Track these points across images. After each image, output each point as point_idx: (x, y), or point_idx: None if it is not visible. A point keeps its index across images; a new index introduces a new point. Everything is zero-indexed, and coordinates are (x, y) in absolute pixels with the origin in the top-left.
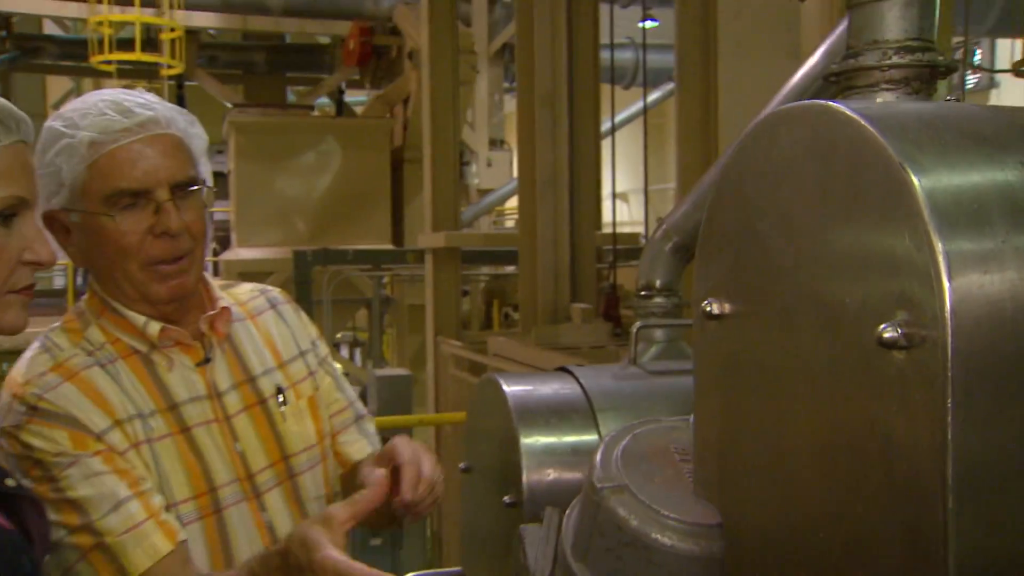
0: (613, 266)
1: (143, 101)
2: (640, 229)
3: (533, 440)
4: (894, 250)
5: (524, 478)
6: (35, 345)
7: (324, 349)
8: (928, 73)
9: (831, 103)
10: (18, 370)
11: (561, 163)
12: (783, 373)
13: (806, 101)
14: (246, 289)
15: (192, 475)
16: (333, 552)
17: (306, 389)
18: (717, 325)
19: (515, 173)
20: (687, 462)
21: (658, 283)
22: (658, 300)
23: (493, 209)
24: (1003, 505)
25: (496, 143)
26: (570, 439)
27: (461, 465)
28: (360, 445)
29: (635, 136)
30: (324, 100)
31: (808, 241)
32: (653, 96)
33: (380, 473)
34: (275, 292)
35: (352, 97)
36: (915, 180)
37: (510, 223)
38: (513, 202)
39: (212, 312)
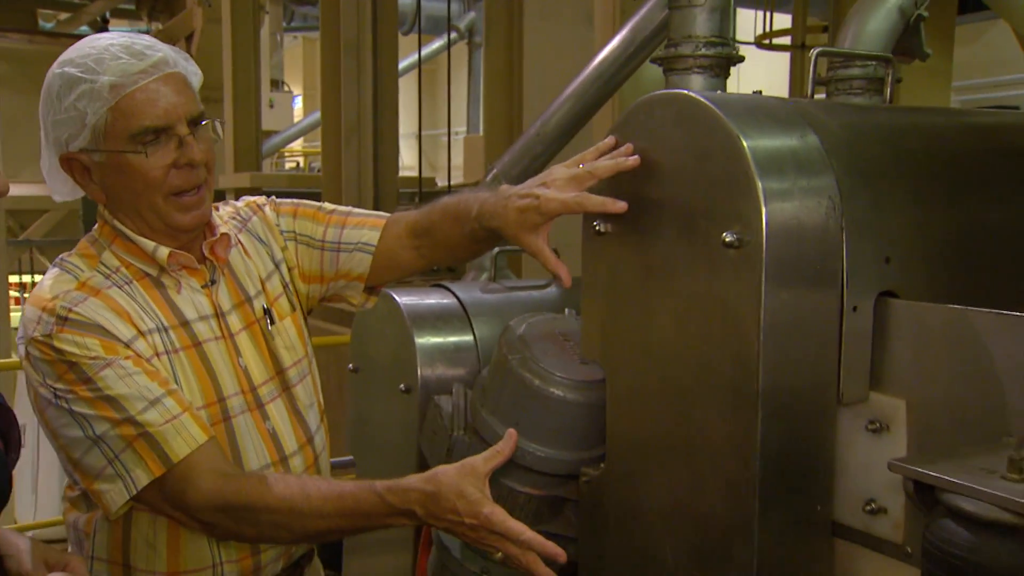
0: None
1: (148, 43)
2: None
3: (424, 340)
4: (731, 186)
5: (419, 370)
6: (53, 270)
7: (294, 223)
8: (726, 61)
9: (690, 92)
10: (42, 289)
11: (366, 109)
12: (652, 268)
13: (672, 90)
14: (227, 212)
15: (204, 385)
16: (498, 509)
17: (284, 306)
18: (602, 239)
19: (296, 116)
20: (568, 341)
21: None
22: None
23: (276, 151)
24: (791, 343)
25: (277, 84)
26: (452, 339)
27: (350, 366)
28: (358, 258)
29: (407, 84)
30: (84, 29)
31: (672, 181)
32: (434, 45)
33: (511, 432)
34: (243, 208)
35: (116, 28)
36: (745, 143)
37: (290, 165)
38: (296, 144)
39: (213, 238)
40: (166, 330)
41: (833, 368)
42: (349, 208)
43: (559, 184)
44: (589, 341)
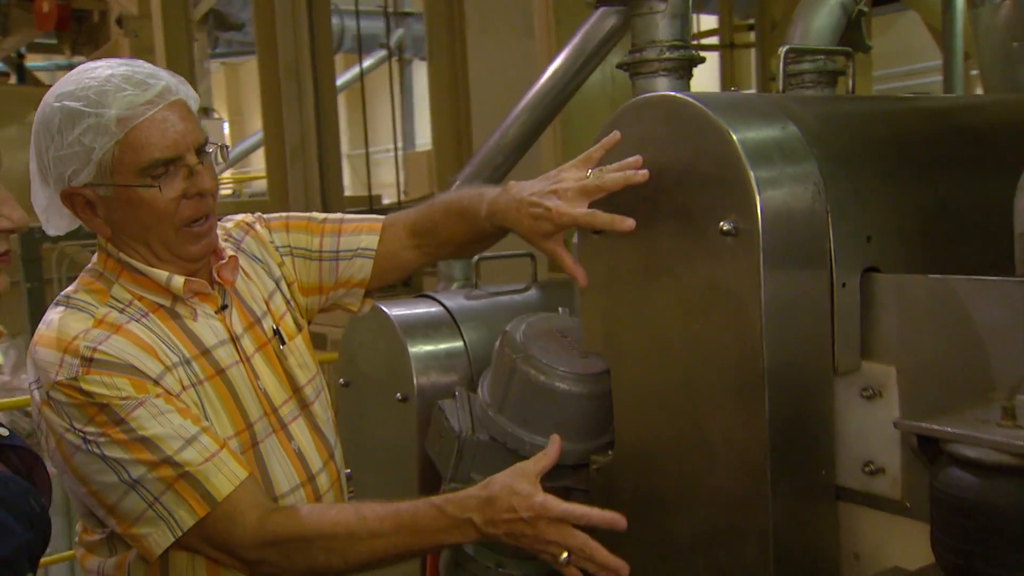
0: None
1: (150, 71)
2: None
3: (418, 348)
4: (725, 178)
5: (414, 378)
6: (59, 309)
7: (287, 237)
8: (688, 63)
9: (677, 94)
10: (54, 329)
11: (309, 130)
12: (651, 260)
13: (659, 93)
14: (219, 235)
15: (232, 414)
16: (552, 497)
17: (291, 324)
18: (599, 236)
19: (227, 140)
20: (566, 337)
21: None
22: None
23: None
24: (790, 321)
25: (207, 112)
26: (444, 346)
27: (340, 381)
28: (359, 264)
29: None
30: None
31: (666, 179)
32: (365, 63)
33: (555, 437)
34: (233, 229)
35: (33, 64)
36: (735, 136)
37: (225, 191)
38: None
39: (222, 262)
40: (189, 362)
41: (827, 341)
42: (340, 215)
43: (570, 195)
44: (591, 334)
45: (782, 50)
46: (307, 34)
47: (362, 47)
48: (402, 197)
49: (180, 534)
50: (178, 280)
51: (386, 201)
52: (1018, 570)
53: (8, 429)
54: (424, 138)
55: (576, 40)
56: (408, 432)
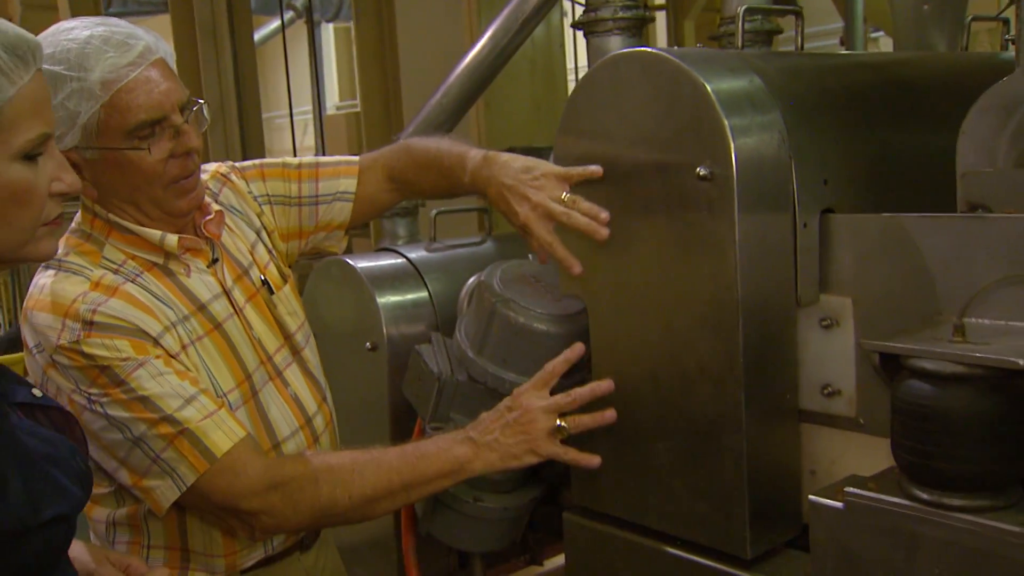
0: None
1: (128, 31)
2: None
3: (386, 299)
4: (700, 127)
5: (384, 328)
6: (50, 272)
7: (264, 185)
8: (640, 22)
9: (653, 49)
10: (50, 293)
11: (228, 92)
12: (629, 204)
13: (636, 48)
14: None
15: (232, 366)
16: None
17: (275, 273)
18: (574, 185)
19: None
20: (539, 282)
21: None
22: (403, 204)
23: None
24: (759, 258)
25: None
26: (410, 296)
27: None
28: (339, 207)
29: None
30: None
31: (642, 129)
32: (273, 25)
33: (579, 346)
34: (208, 181)
35: None
36: (708, 87)
37: None
38: None
39: (208, 217)
40: (187, 318)
41: (791, 276)
42: (315, 159)
43: (539, 212)
44: (567, 277)
45: (741, 9)
46: None
47: (266, 9)
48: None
49: (184, 489)
50: (172, 238)
51: None
52: (967, 462)
53: (41, 390)
54: (331, 101)
55: (514, 2)
56: (379, 380)
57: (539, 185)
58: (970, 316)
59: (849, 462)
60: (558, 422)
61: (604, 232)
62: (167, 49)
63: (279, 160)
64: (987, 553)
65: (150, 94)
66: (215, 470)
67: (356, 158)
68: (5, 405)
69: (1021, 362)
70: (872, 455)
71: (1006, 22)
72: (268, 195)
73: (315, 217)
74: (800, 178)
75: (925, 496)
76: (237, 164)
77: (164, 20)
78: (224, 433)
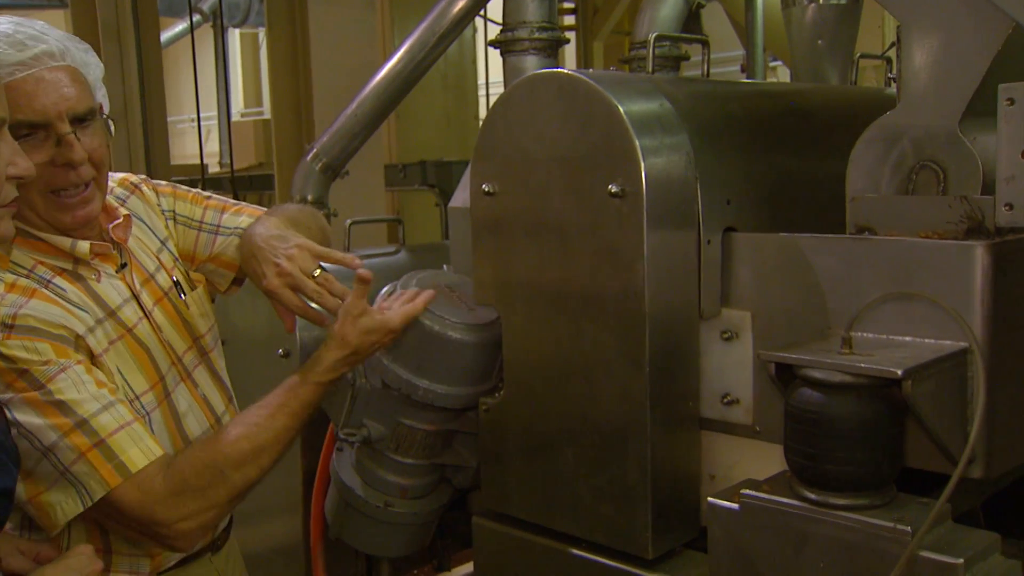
0: None
1: (35, 32)
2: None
3: None
4: (613, 146)
5: (297, 335)
6: None
7: (173, 203)
8: (556, 43)
9: (567, 71)
10: None
11: (132, 95)
12: (542, 219)
13: (550, 69)
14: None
15: (146, 368)
16: (389, 312)
17: (182, 278)
18: (491, 198)
19: None
20: (454, 292)
21: (310, 197)
22: (294, 204)
23: None
24: (666, 272)
25: None
26: None
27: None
28: (235, 244)
29: None
30: None
31: (557, 147)
32: (176, 29)
33: (362, 273)
34: (117, 188)
35: None
36: (621, 109)
37: None
38: None
39: (116, 221)
40: (102, 321)
41: (695, 290)
42: (225, 197)
43: (287, 281)
44: (482, 287)
45: (651, 36)
46: None
47: (172, 11)
48: (223, 166)
49: (90, 503)
50: (83, 245)
51: (211, 171)
52: (852, 464)
53: None
54: (239, 106)
55: (431, 17)
56: None
57: (291, 255)
58: (856, 330)
59: (746, 467)
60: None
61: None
62: (89, 60)
63: (193, 188)
64: (865, 547)
65: (33, 97)
66: (127, 486)
67: (263, 208)
68: None
69: (899, 372)
70: (767, 460)
71: (889, 61)
72: (174, 212)
73: (211, 246)
74: (705, 198)
75: (813, 496)
76: (151, 180)
77: (59, 16)
78: (141, 451)
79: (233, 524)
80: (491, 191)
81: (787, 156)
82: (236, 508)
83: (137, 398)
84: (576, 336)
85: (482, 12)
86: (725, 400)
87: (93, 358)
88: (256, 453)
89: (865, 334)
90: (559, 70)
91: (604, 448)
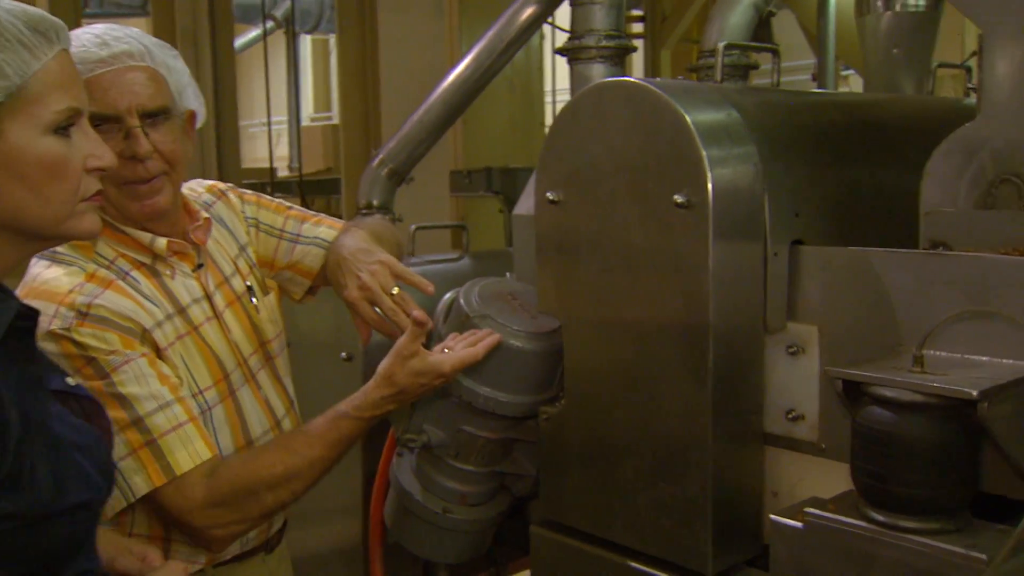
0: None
1: (121, 35)
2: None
3: None
4: (679, 156)
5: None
6: (42, 262)
7: (257, 211)
8: (623, 51)
9: (635, 79)
10: (43, 282)
11: (206, 101)
12: (606, 228)
13: (620, 78)
14: (189, 196)
15: (211, 365)
16: (444, 356)
17: (256, 284)
18: (555, 207)
19: None
20: (516, 299)
21: (375, 202)
22: (376, 217)
23: None
24: (731, 284)
25: None
26: None
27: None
28: (313, 253)
29: None
30: None
31: (623, 156)
32: (250, 35)
33: (419, 314)
34: (204, 193)
35: None
36: (688, 118)
37: None
38: None
39: (197, 224)
40: (171, 317)
41: (760, 303)
42: (305, 209)
43: (365, 295)
44: (545, 295)
45: (721, 44)
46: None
47: (246, 18)
48: (293, 170)
49: (133, 499)
50: (161, 241)
51: (280, 174)
52: (922, 487)
53: (75, 379)
54: (308, 111)
55: (499, 24)
56: (353, 390)
57: (373, 271)
58: (929, 348)
59: (810, 485)
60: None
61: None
62: (174, 65)
63: (277, 199)
64: (935, 574)
65: (106, 91)
66: (170, 487)
67: (340, 220)
68: (42, 391)
69: (975, 393)
70: (832, 479)
71: (969, 70)
72: (257, 220)
73: (290, 254)
74: (772, 209)
75: (881, 518)
76: (239, 188)
77: (142, 23)
78: (188, 454)
79: (287, 527)
80: (555, 199)
81: (858, 168)
82: (293, 509)
83: (201, 392)
84: (639, 347)
85: (550, 19)
86: (790, 416)
87: (159, 351)
88: (288, 478)
89: (938, 352)
90: (626, 79)
91: (665, 461)
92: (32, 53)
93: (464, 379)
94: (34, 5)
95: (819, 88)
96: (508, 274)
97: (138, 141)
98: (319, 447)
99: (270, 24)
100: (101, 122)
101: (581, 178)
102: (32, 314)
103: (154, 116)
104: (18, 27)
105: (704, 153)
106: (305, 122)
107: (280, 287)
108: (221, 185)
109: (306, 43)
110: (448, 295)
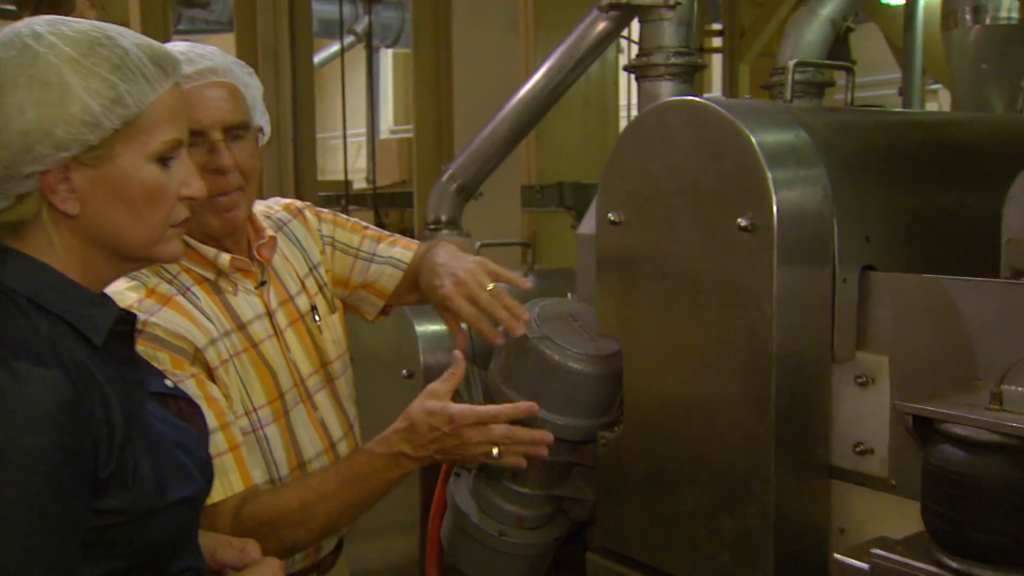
0: (346, 210)
1: (204, 52)
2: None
3: (424, 328)
4: (743, 178)
5: (421, 356)
6: None
7: (334, 229)
8: (692, 69)
9: (699, 99)
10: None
11: (285, 114)
12: (669, 250)
13: (682, 97)
14: (260, 212)
15: (266, 383)
16: (465, 406)
17: (323, 304)
18: (617, 228)
19: None
20: (576, 321)
21: (444, 217)
22: (445, 232)
23: None
24: (796, 312)
25: None
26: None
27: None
28: (389, 272)
29: None
30: None
31: (686, 177)
32: (331, 49)
33: (458, 354)
34: (280, 210)
35: None
36: (754, 139)
37: None
38: None
39: (262, 241)
40: (228, 334)
41: (827, 331)
42: (380, 229)
43: (462, 291)
44: (605, 317)
45: (791, 62)
46: (287, 15)
47: (329, 33)
48: (374, 183)
49: None
50: (225, 257)
51: (356, 186)
52: (999, 534)
53: (173, 381)
54: (385, 125)
55: (570, 40)
56: None
57: (470, 270)
58: (1009, 384)
59: (879, 523)
60: (494, 450)
61: (521, 329)
62: (250, 82)
63: (353, 218)
64: None
65: (193, 106)
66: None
67: (415, 241)
68: (142, 393)
69: None
70: (904, 517)
71: None
72: (333, 238)
73: (365, 273)
74: (842, 233)
75: (954, 565)
76: (316, 207)
77: (230, 39)
78: (222, 484)
79: (344, 547)
80: (617, 220)
81: (935, 191)
82: (349, 528)
83: (255, 410)
84: (700, 373)
85: (625, 33)
86: (858, 449)
87: (210, 371)
88: (303, 513)
89: (1018, 388)
90: (690, 98)
91: (725, 492)
92: (151, 85)
93: (521, 400)
94: (127, 23)
95: (903, 104)
96: (570, 294)
97: (221, 155)
98: (332, 482)
99: (351, 39)
100: (190, 136)
101: (643, 199)
102: (131, 319)
103: (235, 131)
104: (143, 60)
105: (769, 175)
106: (385, 135)
107: (354, 307)
108: (298, 203)
109: (388, 57)
110: None
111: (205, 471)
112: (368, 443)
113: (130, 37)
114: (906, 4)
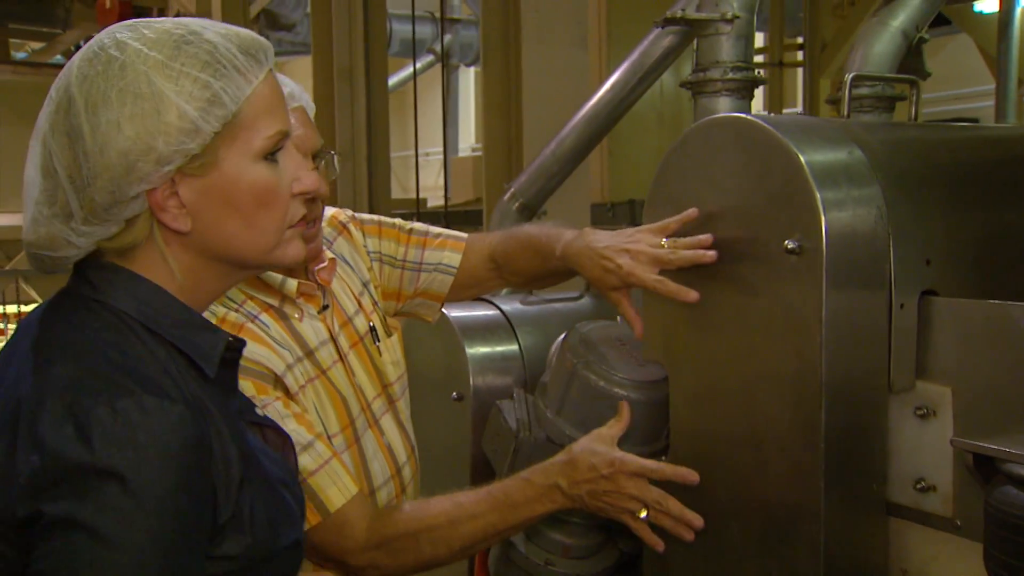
0: None
1: (280, 77)
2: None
3: (475, 350)
4: (791, 198)
5: (471, 379)
6: None
7: (379, 243)
8: (751, 84)
9: (745, 115)
10: None
11: (360, 132)
12: (715, 273)
13: (728, 114)
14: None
15: (338, 411)
16: (630, 455)
17: (380, 322)
18: None
19: None
20: (624, 345)
21: None
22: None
23: None
24: (848, 339)
25: None
26: (499, 349)
27: None
28: (440, 279)
29: None
30: (59, 59)
31: (732, 197)
32: (409, 69)
33: (624, 404)
34: (326, 228)
35: None
36: (802, 158)
37: None
38: None
39: (322, 264)
40: (300, 360)
41: (883, 360)
42: (426, 227)
43: (642, 259)
44: (651, 343)
45: (848, 77)
46: (362, 36)
47: (408, 52)
48: (446, 201)
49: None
50: (292, 283)
51: (431, 204)
52: None
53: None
54: (465, 143)
55: (634, 56)
56: (462, 430)
57: (636, 239)
58: None
59: (945, 565)
60: (643, 514)
61: (712, 255)
62: (310, 103)
63: (395, 221)
64: None
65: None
66: (325, 525)
67: (465, 235)
68: (243, 423)
69: None
70: (972, 561)
71: None
72: (380, 252)
73: (415, 283)
74: (899, 256)
75: None
76: (357, 215)
77: (305, 62)
78: (339, 489)
79: None
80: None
81: (1004, 211)
82: None
83: (329, 438)
84: (746, 403)
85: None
86: (919, 486)
87: (290, 397)
88: (450, 527)
89: None
90: (736, 115)
91: (774, 527)
92: (245, 78)
93: (566, 426)
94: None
95: (995, 116)
96: (619, 318)
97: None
98: (484, 503)
99: (430, 58)
100: None
101: (691, 222)
102: (239, 345)
103: (317, 156)
104: (233, 52)
105: (818, 195)
106: (465, 152)
107: (411, 313)
108: (341, 217)
109: (468, 75)
110: (561, 338)
111: (303, 509)
112: (524, 471)
113: (214, 28)
114: (1000, 12)
